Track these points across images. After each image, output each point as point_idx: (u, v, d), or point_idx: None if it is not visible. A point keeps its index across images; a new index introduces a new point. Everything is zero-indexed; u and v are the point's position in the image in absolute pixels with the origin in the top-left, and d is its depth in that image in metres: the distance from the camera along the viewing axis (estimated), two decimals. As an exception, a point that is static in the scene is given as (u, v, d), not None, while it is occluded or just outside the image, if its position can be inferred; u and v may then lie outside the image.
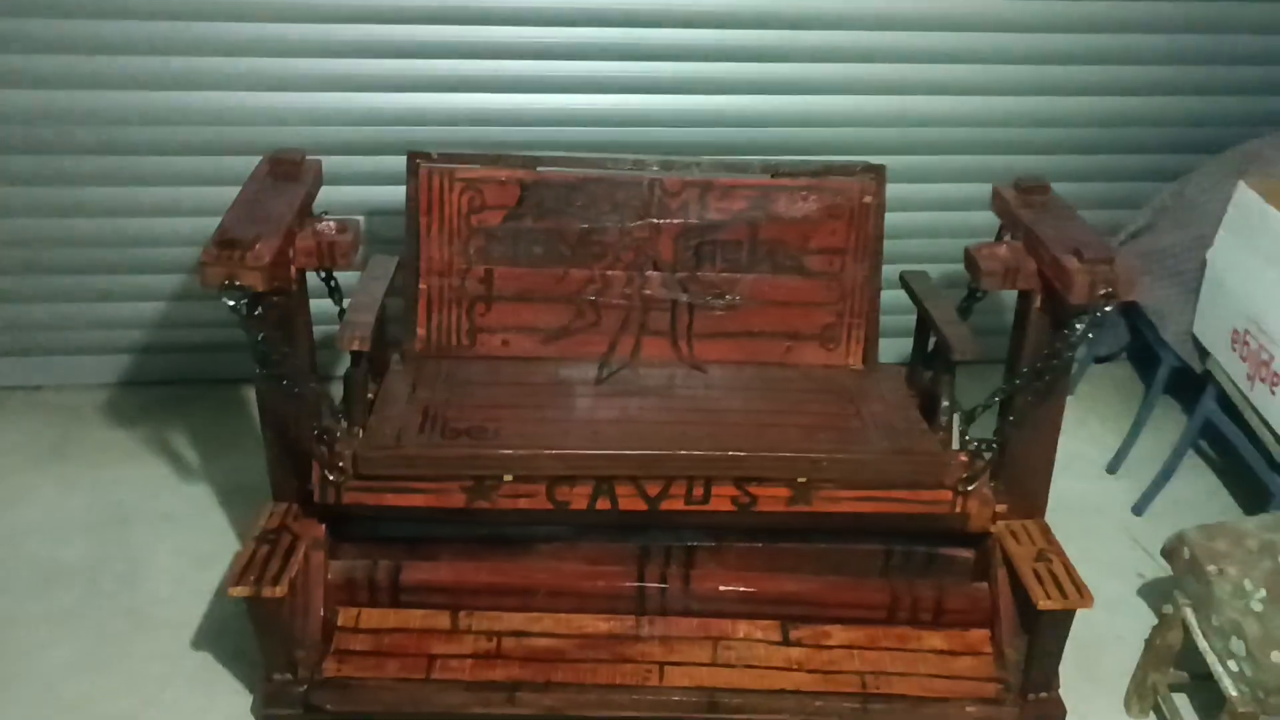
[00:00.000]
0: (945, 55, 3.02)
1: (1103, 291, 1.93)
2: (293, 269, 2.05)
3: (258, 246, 1.88)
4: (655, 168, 2.44)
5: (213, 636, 2.46)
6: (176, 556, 2.68)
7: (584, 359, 2.44)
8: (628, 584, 2.30)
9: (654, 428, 2.22)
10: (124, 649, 2.42)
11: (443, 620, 2.29)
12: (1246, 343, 2.60)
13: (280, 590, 2.02)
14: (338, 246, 2.06)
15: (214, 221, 1.94)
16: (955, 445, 2.26)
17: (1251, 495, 2.89)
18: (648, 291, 2.44)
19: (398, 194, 2.47)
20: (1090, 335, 2.01)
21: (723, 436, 2.19)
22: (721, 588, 2.31)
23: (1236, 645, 2.08)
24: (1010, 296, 2.21)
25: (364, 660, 2.21)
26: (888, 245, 2.53)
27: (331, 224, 2.10)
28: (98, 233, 3.05)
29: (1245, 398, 2.64)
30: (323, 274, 2.27)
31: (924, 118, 3.09)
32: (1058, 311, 2.06)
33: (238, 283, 1.87)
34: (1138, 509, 2.97)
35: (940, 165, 3.16)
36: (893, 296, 2.59)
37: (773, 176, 2.44)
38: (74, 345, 3.25)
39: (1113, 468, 3.12)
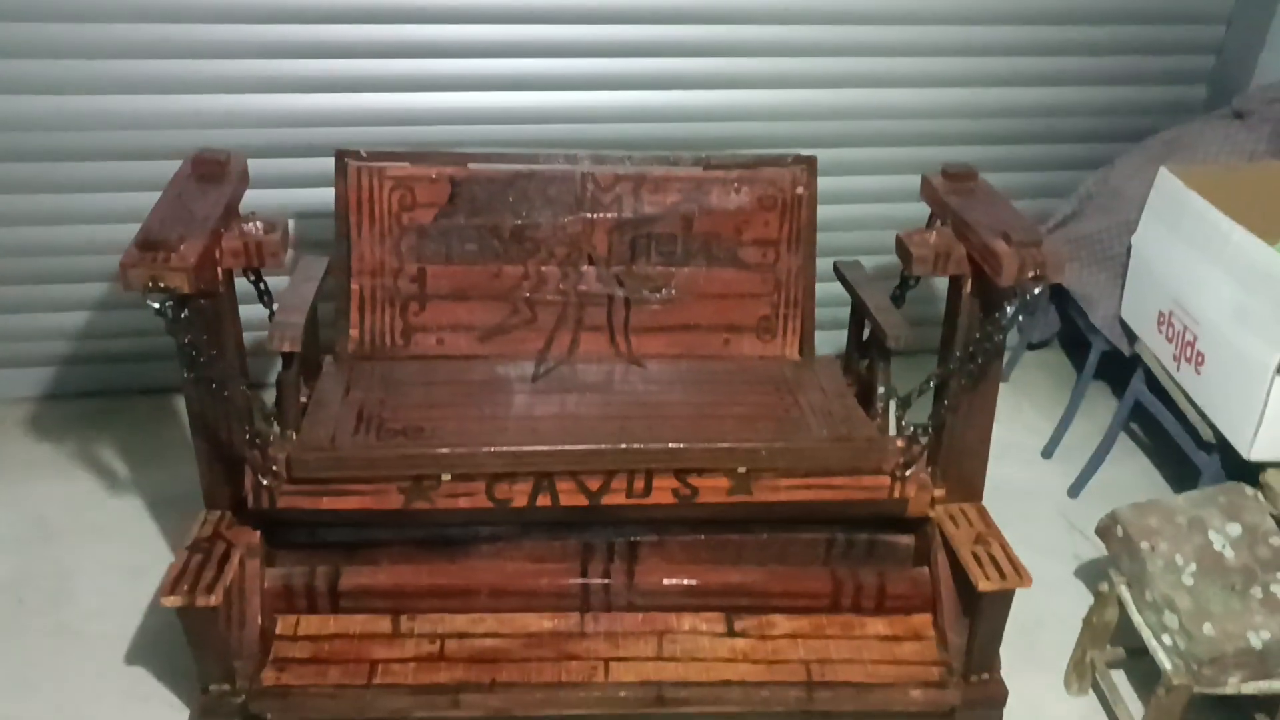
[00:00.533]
0: (875, 49, 3.04)
1: (1031, 274, 1.96)
2: (219, 270, 2.01)
3: (182, 247, 1.84)
4: (587, 162, 2.43)
5: (146, 651, 2.40)
6: (106, 571, 2.61)
7: (520, 357, 2.42)
8: (571, 581, 2.28)
9: (593, 422, 2.21)
10: (53, 667, 2.35)
11: (384, 625, 2.26)
12: (1171, 324, 2.66)
13: (215, 599, 1.97)
14: (266, 246, 2.02)
15: (138, 228, 1.89)
16: (892, 431, 2.27)
17: (1181, 475, 2.96)
18: (583, 287, 2.43)
19: (327, 196, 2.43)
20: (1020, 318, 2.04)
21: (662, 429, 2.18)
22: (665, 581, 2.30)
23: (1170, 619, 2.12)
24: (942, 287, 2.24)
25: (304, 668, 2.17)
26: (822, 239, 2.54)
27: (259, 224, 2.05)
28: (16, 242, 2.96)
29: (1172, 378, 2.69)
30: (251, 276, 2.23)
31: (855, 110, 3.11)
32: (988, 295, 2.08)
33: (162, 285, 1.82)
34: (1072, 492, 3.02)
35: (872, 158, 3.19)
36: (827, 290, 2.60)
37: (705, 169, 2.45)
38: (-6, 359, 3.16)
39: (1047, 453, 3.17)
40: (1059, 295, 3.23)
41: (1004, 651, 2.25)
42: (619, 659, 2.22)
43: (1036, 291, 1.99)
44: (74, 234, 2.97)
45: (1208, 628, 2.07)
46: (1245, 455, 2.40)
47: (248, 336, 2.20)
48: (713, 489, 2.16)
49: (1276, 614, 2.08)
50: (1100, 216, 3.02)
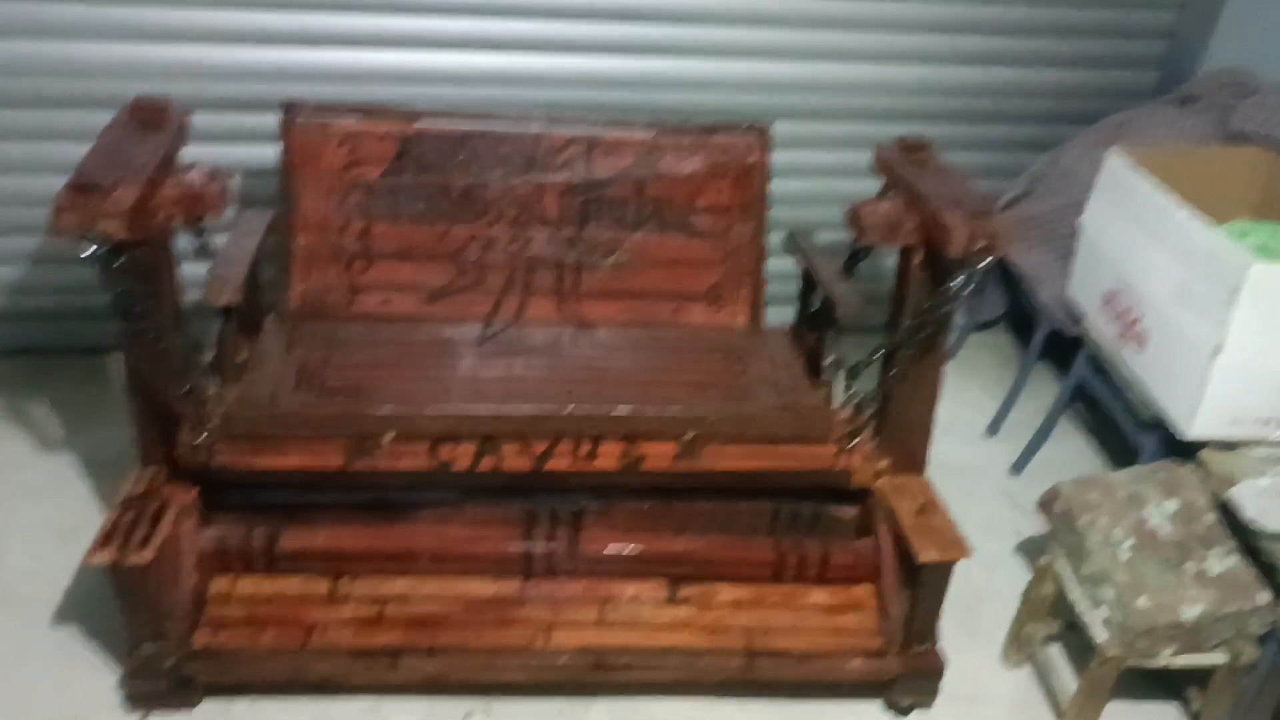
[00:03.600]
0: (830, 21, 3.03)
1: (980, 245, 1.96)
2: (158, 219, 1.95)
3: (117, 192, 1.79)
4: (539, 122, 2.40)
5: (76, 613, 2.34)
6: (36, 531, 2.54)
7: (467, 319, 2.39)
8: (514, 547, 2.26)
9: (539, 386, 2.18)
10: (-22, 627, 2.30)
11: (321, 587, 2.23)
12: (1116, 304, 2.68)
13: (146, 557, 1.93)
14: (207, 196, 1.97)
15: (73, 178, 1.83)
16: (839, 401, 2.27)
17: (1121, 455, 2.99)
18: (532, 250, 2.40)
19: (271, 154, 2.38)
20: (968, 290, 2.04)
21: (609, 394, 2.16)
22: (609, 549, 2.29)
23: (1106, 592, 2.15)
24: (893, 266, 2.23)
25: (238, 630, 2.13)
26: (777, 213, 2.53)
27: (200, 173, 2.00)
28: (-53, 192, 2.88)
29: (1115, 358, 2.72)
30: (192, 230, 2.17)
31: (809, 84, 3.10)
32: (937, 266, 2.08)
33: (96, 230, 1.76)
34: (1015, 470, 3.04)
35: (825, 132, 3.19)
36: (780, 266, 2.59)
37: (659, 133, 2.42)
38: (-77, 313, 3.06)
39: (992, 431, 3.20)
40: (1007, 276, 3.26)
41: (944, 624, 2.27)
42: (560, 625, 2.20)
43: (985, 263, 1.99)
44: (6, 184, 2.88)
45: (1142, 601, 2.09)
46: (1184, 434, 2.42)
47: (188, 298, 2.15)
48: (659, 455, 2.14)
49: (1209, 588, 2.11)
50: (1050, 197, 3.04)
